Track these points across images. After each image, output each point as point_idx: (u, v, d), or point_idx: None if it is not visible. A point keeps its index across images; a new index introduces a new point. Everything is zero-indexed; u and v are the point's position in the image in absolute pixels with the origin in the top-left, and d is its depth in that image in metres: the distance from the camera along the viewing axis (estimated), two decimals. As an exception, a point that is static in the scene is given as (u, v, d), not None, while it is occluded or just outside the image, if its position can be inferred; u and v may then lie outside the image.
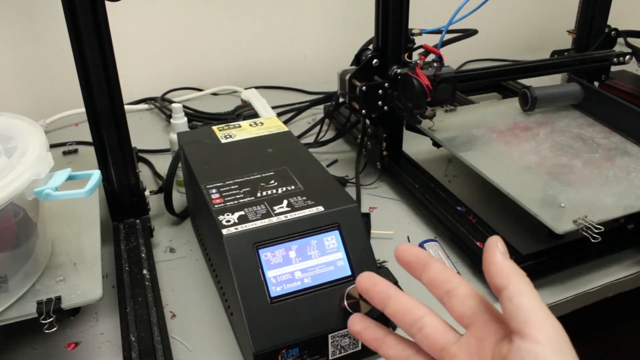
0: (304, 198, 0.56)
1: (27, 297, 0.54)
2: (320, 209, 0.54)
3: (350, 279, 0.53)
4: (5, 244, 0.54)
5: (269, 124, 0.76)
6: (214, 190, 0.59)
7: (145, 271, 0.66)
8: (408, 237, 0.75)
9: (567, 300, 0.65)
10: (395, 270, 0.65)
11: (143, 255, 0.68)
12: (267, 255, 0.51)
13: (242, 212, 0.55)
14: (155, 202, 0.84)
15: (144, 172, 0.92)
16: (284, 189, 0.59)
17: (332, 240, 0.54)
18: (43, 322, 0.51)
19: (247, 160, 0.66)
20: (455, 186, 0.86)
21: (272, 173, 0.62)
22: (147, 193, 0.74)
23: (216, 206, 0.56)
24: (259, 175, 0.62)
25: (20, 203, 0.54)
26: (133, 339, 0.56)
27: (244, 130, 0.74)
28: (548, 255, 0.67)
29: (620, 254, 0.72)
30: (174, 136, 0.82)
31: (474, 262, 0.69)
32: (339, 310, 0.52)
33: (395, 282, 0.64)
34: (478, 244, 0.69)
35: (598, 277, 0.68)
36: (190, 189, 0.72)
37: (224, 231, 0.52)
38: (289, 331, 0.50)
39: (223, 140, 0.72)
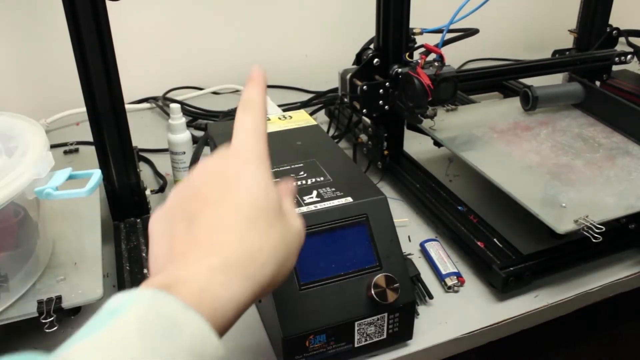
0: (333, 189, 0.57)
1: (28, 297, 0.54)
2: (349, 200, 0.56)
3: (377, 269, 0.54)
4: (6, 243, 0.54)
5: (298, 117, 0.77)
6: None
7: (146, 271, 0.66)
8: (409, 236, 0.75)
9: (568, 300, 0.65)
10: (419, 264, 0.67)
11: (144, 254, 0.68)
12: None
13: None
14: (156, 202, 0.84)
15: (144, 171, 0.92)
16: (313, 180, 0.60)
17: (360, 230, 0.55)
18: (43, 321, 0.51)
19: (276, 152, 0.67)
20: (456, 186, 0.86)
21: (301, 164, 0.63)
22: (148, 192, 0.74)
23: None
24: (288, 167, 0.63)
25: (20, 202, 0.54)
26: (133, 338, 0.56)
27: (273, 123, 0.75)
28: (549, 255, 0.67)
29: (621, 254, 0.71)
30: (173, 137, 0.82)
31: (475, 261, 0.69)
32: (366, 298, 0.53)
33: (418, 274, 0.65)
34: (479, 243, 0.69)
35: (599, 277, 0.68)
36: None
37: None
38: (316, 318, 0.51)
39: None
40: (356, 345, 0.54)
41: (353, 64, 0.84)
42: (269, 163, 0.38)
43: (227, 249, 0.32)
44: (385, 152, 0.86)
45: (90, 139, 0.69)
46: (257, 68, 0.40)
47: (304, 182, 0.59)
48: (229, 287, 0.31)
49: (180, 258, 0.32)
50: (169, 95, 1.22)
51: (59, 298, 0.53)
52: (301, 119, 0.77)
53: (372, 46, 0.82)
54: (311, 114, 1.11)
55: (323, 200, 0.56)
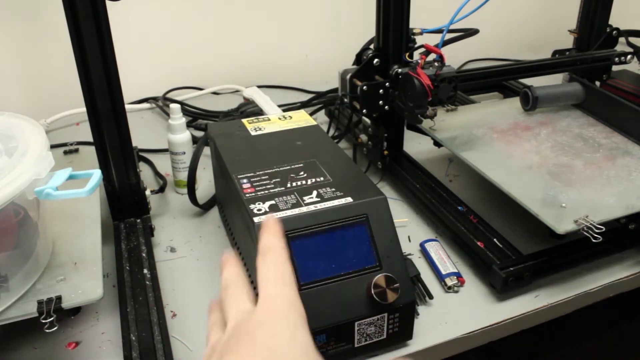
0: (333, 189, 0.58)
1: (28, 297, 0.54)
2: (349, 200, 0.56)
3: (377, 269, 0.54)
4: (6, 243, 0.54)
5: (298, 117, 0.77)
6: (245, 180, 0.60)
7: (145, 271, 0.66)
8: (409, 236, 0.75)
9: (568, 300, 0.65)
10: (419, 264, 0.67)
11: (144, 254, 0.68)
12: (297, 243, 0.52)
13: (272, 202, 0.56)
14: (155, 202, 0.84)
15: (144, 171, 0.92)
16: (314, 180, 0.60)
17: (359, 230, 0.55)
18: (43, 321, 0.51)
19: (277, 152, 0.67)
20: (456, 186, 0.86)
21: (301, 164, 0.63)
22: (148, 192, 0.74)
23: (247, 195, 0.57)
24: (288, 167, 0.63)
25: (20, 203, 0.54)
26: (133, 338, 0.56)
27: (273, 124, 0.75)
28: (549, 255, 0.67)
29: (622, 254, 0.71)
30: (173, 137, 0.82)
31: (475, 261, 0.69)
32: (366, 299, 0.53)
33: (418, 274, 0.65)
34: (479, 243, 0.69)
35: (599, 277, 0.68)
36: (221, 180, 0.73)
37: (256, 219, 0.53)
38: (316, 318, 0.51)
39: (253, 133, 0.73)
40: (356, 345, 0.54)
41: (353, 64, 0.84)
42: (303, 311, 0.36)
43: None
44: (385, 152, 0.86)
45: (90, 139, 0.69)
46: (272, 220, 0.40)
47: (304, 182, 0.59)
48: None
49: None
50: (169, 95, 1.22)
51: (59, 298, 0.53)
52: (301, 119, 0.77)
53: (372, 46, 0.82)
54: (311, 114, 1.11)
55: (323, 200, 0.56)
